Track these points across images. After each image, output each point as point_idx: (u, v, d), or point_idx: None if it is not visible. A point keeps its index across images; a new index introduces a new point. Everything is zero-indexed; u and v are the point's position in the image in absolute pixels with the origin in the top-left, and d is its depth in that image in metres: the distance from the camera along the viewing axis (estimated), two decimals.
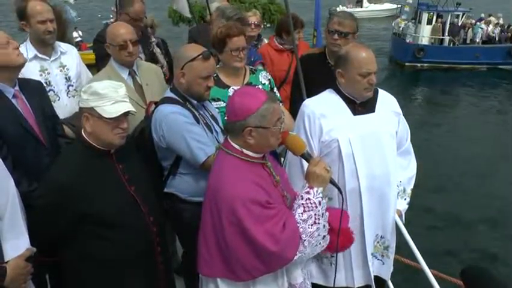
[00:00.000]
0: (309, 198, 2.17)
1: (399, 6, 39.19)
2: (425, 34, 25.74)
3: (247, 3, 15.96)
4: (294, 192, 2.38)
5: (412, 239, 2.78)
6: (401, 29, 27.07)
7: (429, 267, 2.65)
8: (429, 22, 25.61)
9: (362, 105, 2.80)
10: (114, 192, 2.33)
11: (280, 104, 3.55)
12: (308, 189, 2.19)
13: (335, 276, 2.62)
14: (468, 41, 25.82)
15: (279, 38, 4.95)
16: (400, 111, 2.97)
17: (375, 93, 2.87)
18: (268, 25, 16.40)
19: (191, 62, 2.60)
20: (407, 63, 25.55)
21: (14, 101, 2.69)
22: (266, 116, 2.10)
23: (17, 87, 2.73)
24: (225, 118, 2.23)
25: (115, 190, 2.33)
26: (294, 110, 3.46)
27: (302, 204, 2.17)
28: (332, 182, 2.25)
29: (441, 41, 25.78)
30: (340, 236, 2.28)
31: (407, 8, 27.62)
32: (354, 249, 2.78)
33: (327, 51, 3.62)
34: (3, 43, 2.60)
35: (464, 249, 9.25)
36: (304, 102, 2.92)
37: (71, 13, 22.51)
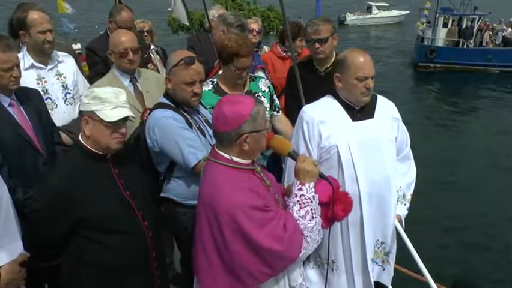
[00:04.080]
0: (303, 195, 2.28)
1: (406, 13, 41.60)
2: (440, 37, 27.56)
3: (246, 10, 16.26)
4: (283, 194, 2.49)
5: (413, 245, 2.89)
6: (422, 32, 29.15)
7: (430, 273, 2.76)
8: (445, 25, 27.58)
9: (360, 111, 2.91)
10: (109, 197, 2.44)
11: (280, 112, 3.73)
12: (300, 186, 2.30)
13: (326, 277, 2.74)
14: (484, 44, 27.20)
15: (282, 45, 5.12)
16: (399, 117, 3.08)
17: (374, 99, 2.98)
18: (270, 32, 16.71)
19: (174, 67, 2.76)
20: (420, 63, 27.81)
21: (10, 109, 2.83)
22: (257, 119, 2.21)
23: (13, 96, 2.87)
24: (215, 129, 2.30)
25: (110, 194, 2.45)
26: (289, 117, 3.64)
27: (298, 201, 2.28)
28: (321, 175, 2.36)
29: (457, 43, 27.30)
30: (338, 204, 2.36)
31: (426, 12, 29.73)
32: (355, 254, 2.91)
33: (314, 59, 3.78)
34: (7, 68, 2.73)
35: (464, 257, 9.30)
36: (303, 109, 3.03)
37: (68, 26, 23.14)
